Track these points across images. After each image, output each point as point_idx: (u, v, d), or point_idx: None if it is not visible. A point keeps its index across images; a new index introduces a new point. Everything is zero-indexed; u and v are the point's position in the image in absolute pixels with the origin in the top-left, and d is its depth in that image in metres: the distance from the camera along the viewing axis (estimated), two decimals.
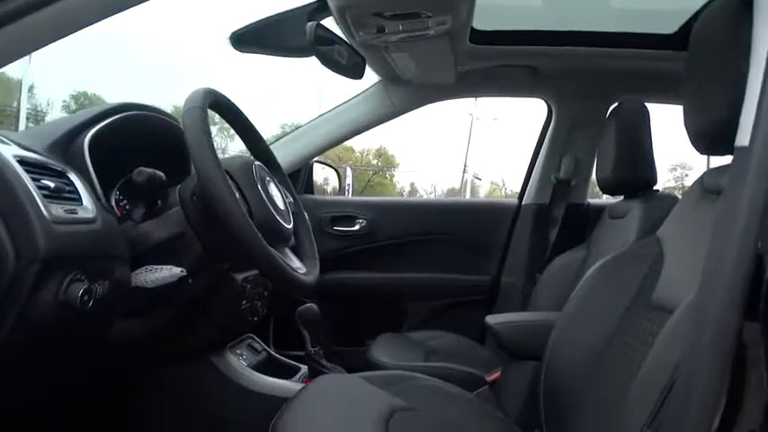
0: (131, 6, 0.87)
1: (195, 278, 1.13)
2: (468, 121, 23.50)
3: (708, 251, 0.65)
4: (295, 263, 1.18)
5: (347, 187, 3.40)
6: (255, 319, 1.58)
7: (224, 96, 1.16)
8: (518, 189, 2.41)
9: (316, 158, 2.34)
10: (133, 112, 1.23)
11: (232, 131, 1.32)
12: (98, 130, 1.11)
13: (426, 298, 2.32)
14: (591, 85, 2.12)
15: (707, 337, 0.67)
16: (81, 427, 1.46)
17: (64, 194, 0.86)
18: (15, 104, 19.53)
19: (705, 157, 1.05)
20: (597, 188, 1.96)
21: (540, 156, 2.29)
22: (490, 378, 1.53)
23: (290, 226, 1.20)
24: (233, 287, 1.42)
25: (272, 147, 1.39)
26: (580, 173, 2.24)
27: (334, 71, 1.51)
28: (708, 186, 1.04)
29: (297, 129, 2.28)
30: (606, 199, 2.35)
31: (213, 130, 1.07)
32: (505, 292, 2.28)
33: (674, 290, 1.03)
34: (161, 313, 1.15)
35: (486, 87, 2.28)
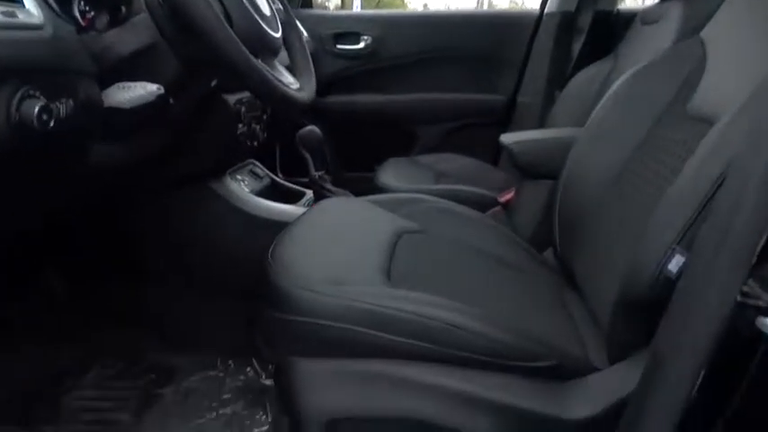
0: None
1: (177, 98, 1.01)
2: None
3: None
4: (287, 78, 1.06)
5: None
6: (255, 143, 1.49)
7: None
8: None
9: None
10: None
11: None
12: None
13: (437, 120, 2.21)
14: None
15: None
16: (81, 251, 1.46)
17: None
18: None
19: None
20: None
21: None
22: (503, 198, 1.47)
23: (279, 35, 1.05)
24: (226, 109, 1.32)
25: None
26: None
27: None
28: None
29: None
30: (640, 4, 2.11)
31: None
32: (522, 112, 2.15)
33: (717, 98, 0.91)
34: (145, 137, 1.06)
35: None
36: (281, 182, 1.62)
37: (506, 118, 2.18)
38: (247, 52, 0.89)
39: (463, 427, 0.78)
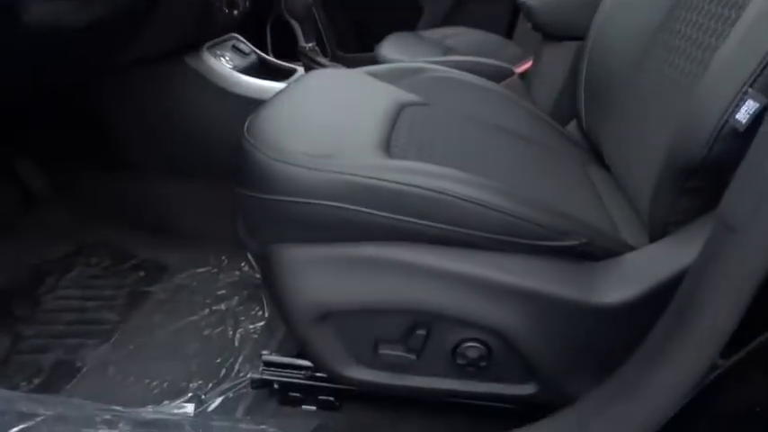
0: None
1: None
2: None
3: None
4: None
5: None
6: (235, 12, 1.29)
7: None
8: None
9: None
10: None
11: None
12: None
13: None
14: None
15: None
16: (55, 142, 1.32)
17: None
18: None
19: None
20: None
21: None
22: (520, 69, 1.30)
23: None
24: None
25: None
26: None
27: None
28: None
29: None
30: None
31: None
32: None
33: None
34: None
35: None
36: (270, 59, 1.44)
37: None
38: None
39: (478, 319, 0.67)
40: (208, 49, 1.26)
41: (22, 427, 0.71)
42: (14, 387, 0.97)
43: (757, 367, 0.55)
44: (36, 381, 0.98)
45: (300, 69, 1.39)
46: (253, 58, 1.40)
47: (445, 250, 0.67)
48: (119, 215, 1.38)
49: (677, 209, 0.66)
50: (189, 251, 1.31)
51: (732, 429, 0.62)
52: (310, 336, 0.72)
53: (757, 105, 0.55)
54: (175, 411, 0.85)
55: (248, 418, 0.84)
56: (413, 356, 0.71)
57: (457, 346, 0.70)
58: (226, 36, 1.37)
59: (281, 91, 0.90)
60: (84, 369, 1.01)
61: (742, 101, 0.56)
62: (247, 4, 1.37)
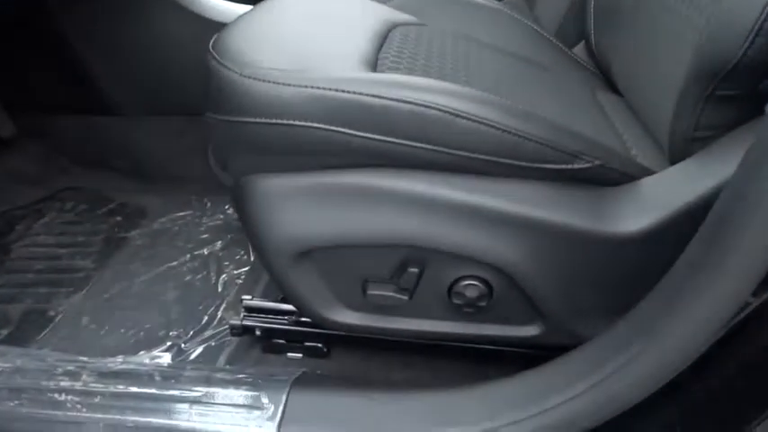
0: None
1: None
2: None
3: None
4: None
5: None
6: None
7: None
8: None
9: None
10: None
11: None
12: None
13: None
14: None
15: None
16: (20, 78, 1.22)
17: None
18: None
19: None
20: None
21: None
22: None
23: None
24: None
25: None
26: None
27: None
28: None
29: None
30: None
31: None
32: None
33: None
34: None
35: None
36: None
37: None
38: None
39: (477, 253, 0.60)
40: None
41: None
42: None
43: None
44: (4, 332, 0.92)
45: None
46: None
47: (439, 176, 0.59)
48: (93, 159, 1.29)
49: (703, 123, 0.58)
50: (169, 194, 1.23)
51: (758, 375, 0.56)
52: (291, 276, 0.65)
53: None
54: (148, 361, 0.79)
55: (227, 367, 0.77)
56: (405, 297, 0.64)
57: (453, 284, 0.63)
58: None
59: (253, 8, 0.80)
60: (57, 319, 0.94)
61: None
62: None
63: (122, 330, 0.91)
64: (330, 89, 0.57)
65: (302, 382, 0.64)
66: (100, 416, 0.61)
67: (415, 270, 0.62)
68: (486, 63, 0.81)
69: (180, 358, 0.85)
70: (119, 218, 1.18)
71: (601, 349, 0.52)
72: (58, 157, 1.29)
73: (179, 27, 1.10)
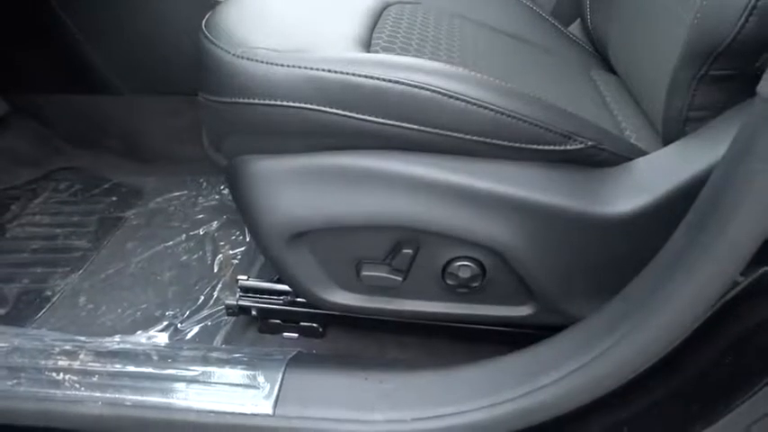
0: None
1: None
2: None
3: None
4: None
5: None
6: None
7: None
8: None
9: None
10: None
11: None
12: None
13: None
14: None
15: None
16: (8, 47, 1.21)
17: None
18: None
19: None
20: None
21: None
22: None
23: None
24: None
25: None
26: None
27: None
28: None
29: None
30: None
31: None
32: None
33: None
34: None
35: None
36: None
37: None
38: None
39: (470, 235, 0.60)
40: None
41: None
42: None
43: None
44: (1, 311, 0.92)
45: None
46: None
47: (433, 158, 0.59)
48: (87, 138, 1.29)
49: (697, 104, 0.58)
50: (164, 174, 1.23)
51: (746, 353, 0.56)
52: (285, 257, 0.65)
53: None
54: (145, 341, 0.80)
55: (223, 346, 0.78)
56: (399, 278, 0.64)
57: (447, 265, 0.63)
58: None
59: None
60: (54, 299, 0.95)
61: None
62: None
63: (119, 310, 0.92)
64: (322, 69, 0.57)
65: (298, 361, 0.65)
66: (98, 394, 0.62)
67: (408, 251, 0.63)
68: (480, 43, 0.80)
69: (177, 338, 0.86)
70: (114, 198, 1.18)
71: (594, 328, 0.52)
72: (52, 137, 1.28)
73: (174, 5, 1.09)
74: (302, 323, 0.81)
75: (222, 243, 1.05)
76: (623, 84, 0.85)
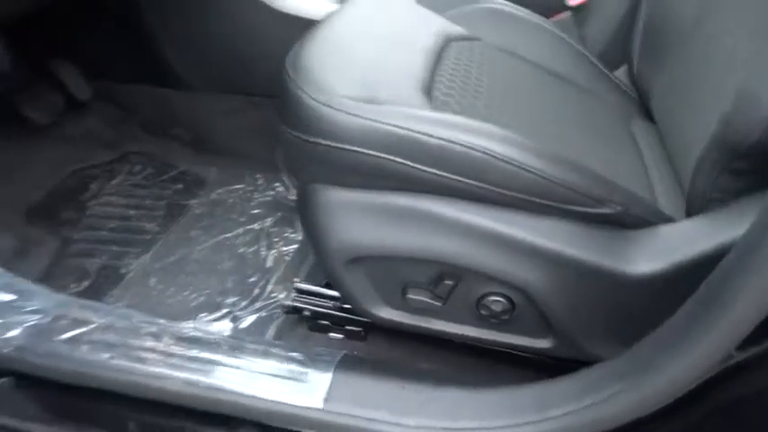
0: None
1: None
2: None
3: None
4: None
5: None
6: None
7: None
8: None
9: None
10: None
11: None
12: None
13: None
14: None
15: None
16: (93, 36, 1.32)
17: None
18: None
19: None
20: None
21: None
22: (574, 2, 1.23)
23: None
24: None
25: None
26: None
27: None
28: None
29: None
30: None
31: None
32: None
33: None
34: None
35: None
36: None
37: None
38: None
39: (505, 275, 0.69)
40: None
41: (76, 332, 0.79)
42: (64, 288, 1.04)
43: None
44: (85, 284, 1.05)
45: None
46: None
47: (478, 207, 0.68)
48: (158, 127, 1.40)
49: (719, 187, 0.65)
50: (226, 167, 1.34)
51: (736, 417, 0.65)
52: (342, 276, 0.75)
53: None
54: (211, 329, 0.91)
55: (280, 342, 0.89)
56: (439, 303, 0.74)
57: (482, 298, 0.73)
58: None
59: (325, 20, 0.88)
60: (128, 276, 1.08)
61: None
62: None
63: (185, 293, 1.04)
64: (392, 125, 0.66)
65: (344, 363, 0.76)
66: (177, 374, 0.73)
67: (449, 282, 0.72)
68: (531, 91, 0.89)
69: (235, 325, 0.98)
70: (180, 185, 1.30)
71: (602, 375, 0.61)
72: (128, 122, 1.41)
73: (253, 16, 1.19)
74: (347, 327, 0.92)
75: (276, 240, 1.16)
76: (661, 135, 0.92)
